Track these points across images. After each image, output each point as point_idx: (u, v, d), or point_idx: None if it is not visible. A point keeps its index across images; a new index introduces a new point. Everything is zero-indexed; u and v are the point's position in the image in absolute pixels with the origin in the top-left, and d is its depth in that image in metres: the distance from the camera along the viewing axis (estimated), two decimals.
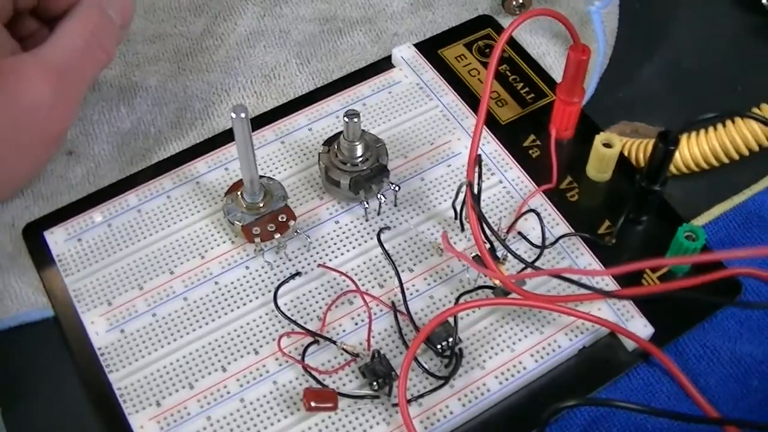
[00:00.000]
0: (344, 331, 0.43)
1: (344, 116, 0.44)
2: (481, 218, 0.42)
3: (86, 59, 0.47)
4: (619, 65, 0.54)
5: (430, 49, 0.53)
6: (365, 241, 0.46)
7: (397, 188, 0.46)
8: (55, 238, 0.47)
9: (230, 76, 0.54)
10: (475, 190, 0.42)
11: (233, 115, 0.40)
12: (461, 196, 0.45)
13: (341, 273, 0.45)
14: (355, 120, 0.44)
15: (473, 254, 0.43)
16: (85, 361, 0.43)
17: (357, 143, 0.45)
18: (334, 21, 0.56)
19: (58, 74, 0.46)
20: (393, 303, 0.44)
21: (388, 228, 0.46)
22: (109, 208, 0.48)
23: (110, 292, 0.45)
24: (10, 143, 0.45)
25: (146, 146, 0.51)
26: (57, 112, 0.47)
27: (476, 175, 0.42)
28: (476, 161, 0.42)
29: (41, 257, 0.47)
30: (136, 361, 0.43)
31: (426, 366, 0.42)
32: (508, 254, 0.44)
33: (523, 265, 0.44)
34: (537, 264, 0.44)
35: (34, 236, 0.47)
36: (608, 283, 0.44)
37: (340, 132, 0.46)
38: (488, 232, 0.43)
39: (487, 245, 0.43)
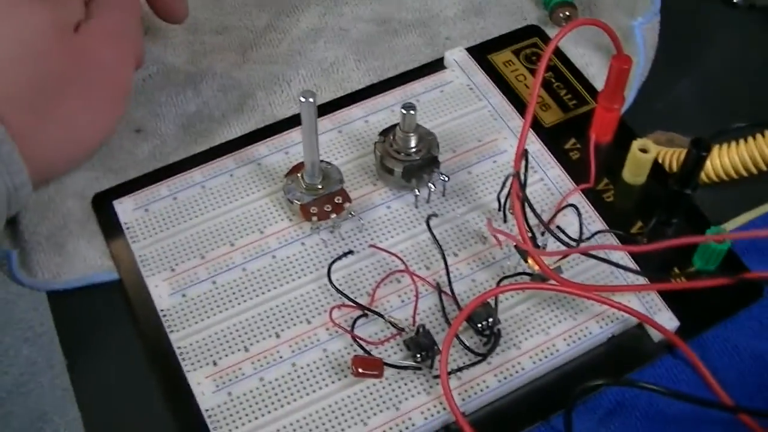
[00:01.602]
0: (391, 306, 0.46)
1: (402, 108, 0.47)
2: (526, 203, 0.45)
3: (129, 18, 0.52)
4: (657, 78, 0.56)
5: (481, 53, 0.56)
6: (414, 227, 0.49)
7: (446, 179, 0.49)
8: (124, 208, 0.50)
9: (291, 68, 0.57)
10: (522, 181, 0.45)
11: (302, 99, 0.43)
12: (506, 189, 0.47)
13: (391, 253, 0.48)
14: (412, 112, 0.47)
15: (514, 244, 0.46)
16: (147, 321, 0.46)
17: (411, 134, 0.48)
18: (391, 22, 0.59)
19: (114, 38, 0.50)
20: (438, 284, 0.46)
21: (436, 215, 0.49)
22: (175, 182, 0.50)
23: (174, 259, 0.48)
24: (87, 102, 0.49)
25: (210, 129, 0.54)
26: (120, 72, 0.51)
27: (523, 167, 0.45)
28: (523, 154, 0.45)
29: (109, 224, 0.49)
30: (196, 324, 0.46)
31: (466, 343, 0.45)
32: (547, 244, 0.47)
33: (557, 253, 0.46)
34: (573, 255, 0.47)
35: (102, 205, 0.50)
36: (638, 279, 0.47)
37: (396, 124, 0.49)
38: (530, 223, 0.45)
39: (529, 234, 0.45)
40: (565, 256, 0.47)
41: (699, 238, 0.46)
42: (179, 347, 0.45)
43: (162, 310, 0.46)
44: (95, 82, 0.49)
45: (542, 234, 0.47)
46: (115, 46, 0.50)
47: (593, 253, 0.46)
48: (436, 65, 0.56)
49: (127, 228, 0.49)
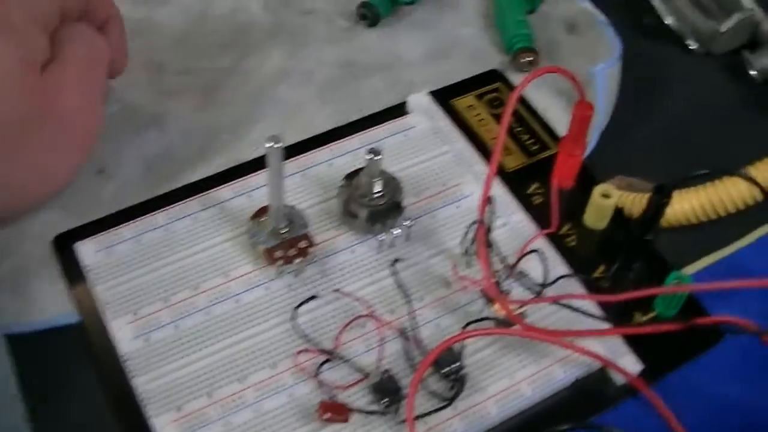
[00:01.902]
0: (356, 351, 0.46)
1: (367, 153, 0.47)
2: (491, 248, 0.45)
3: (96, 58, 0.51)
4: (618, 124, 0.57)
5: (444, 97, 0.57)
6: (378, 271, 0.49)
7: (410, 224, 0.49)
8: (85, 250, 0.49)
9: (255, 110, 0.57)
10: (487, 227, 0.45)
11: (267, 145, 0.43)
12: (470, 235, 0.48)
13: (355, 298, 0.48)
14: (377, 158, 0.47)
15: (479, 288, 0.47)
16: (110, 365, 0.45)
17: (376, 180, 0.48)
18: (355, 66, 0.59)
19: (82, 78, 0.49)
20: (403, 328, 0.47)
21: (401, 260, 0.49)
22: (138, 225, 0.50)
23: (136, 302, 0.47)
24: (52, 149, 0.48)
25: (174, 170, 0.54)
26: (89, 114, 0.50)
27: (489, 212, 0.45)
28: (488, 201, 0.45)
29: (71, 267, 0.49)
30: (159, 368, 0.45)
31: (432, 388, 0.45)
32: (511, 290, 0.47)
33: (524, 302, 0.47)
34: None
35: (64, 247, 0.49)
36: (602, 323, 0.47)
37: (360, 168, 0.49)
38: (496, 265, 0.46)
39: (494, 280, 0.46)
40: (529, 303, 0.47)
41: (659, 290, 0.47)
42: (142, 392, 0.45)
43: (124, 354, 0.46)
44: (61, 125, 0.48)
45: (506, 278, 0.47)
46: (84, 89, 0.49)
47: (561, 302, 0.46)
48: (399, 109, 0.56)
49: (89, 271, 0.49)
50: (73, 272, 0.49)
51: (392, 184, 0.50)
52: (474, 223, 0.46)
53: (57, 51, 0.49)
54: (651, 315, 0.48)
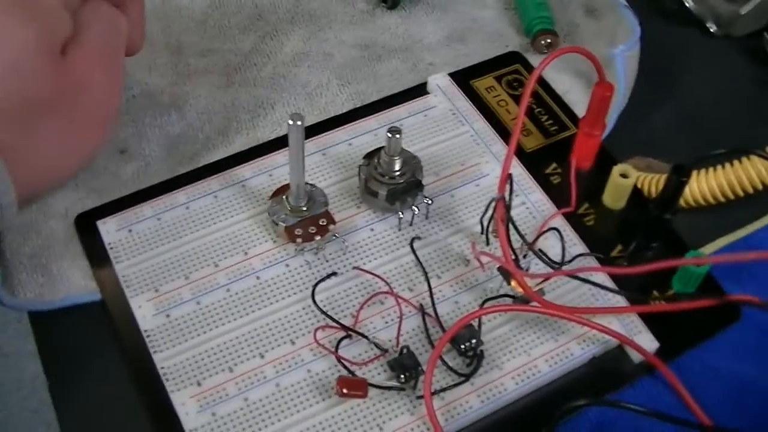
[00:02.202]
0: (375, 327, 0.46)
1: (387, 132, 0.47)
2: (511, 224, 0.45)
3: (116, 37, 0.51)
4: (637, 105, 0.57)
5: (463, 79, 0.57)
6: (398, 249, 0.49)
7: (429, 202, 0.50)
8: (107, 228, 0.50)
9: (275, 91, 0.57)
10: (507, 204, 0.46)
11: (290, 122, 0.44)
12: (489, 212, 0.48)
13: (375, 275, 0.48)
14: (398, 136, 0.47)
15: (498, 266, 0.47)
16: (131, 342, 0.46)
17: (396, 158, 0.49)
18: (374, 48, 0.60)
19: (102, 58, 0.49)
20: (421, 305, 0.47)
21: (420, 238, 0.49)
22: (159, 203, 0.51)
23: (158, 279, 0.48)
24: (72, 129, 0.49)
25: (194, 150, 0.54)
26: (108, 94, 0.50)
27: (507, 190, 0.45)
28: (508, 178, 0.45)
29: (92, 245, 0.49)
30: (180, 344, 0.46)
31: (450, 364, 0.45)
32: (530, 267, 0.47)
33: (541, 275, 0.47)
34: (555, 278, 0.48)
35: (86, 225, 0.50)
36: (619, 301, 0.48)
37: (380, 147, 0.49)
38: (513, 244, 0.46)
39: (512, 256, 0.46)
40: (548, 279, 0.47)
41: (679, 262, 0.47)
42: (163, 368, 0.45)
43: (146, 331, 0.46)
44: (82, 105, 0.49)
45: (524, 257, 0.48)
46: (104, 69, 0.50)
47: (577, 275, 0.46)
48: (419, 90, 0.57)
49: (111, 248, 0.49)
50: (95, 250, 0.49)
51: (412, 162, 0.50)
52: (493, 200, 0.46)
53: (78, 30, 0.49)
54: (669, 293, 0.48)
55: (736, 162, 0.52)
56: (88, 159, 0.52)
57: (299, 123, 0.44)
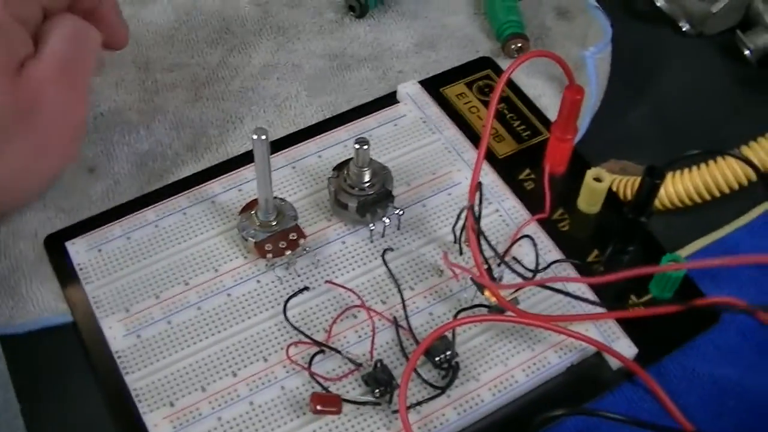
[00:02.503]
0: (348, 342, 0.46)
1: (355, 143, 0.47)
2: (481, 236, 0.45)
3: (82, 49, 0.49)
4: (610, 107, 0.57)
5: (433, 86, 0.56)
6: (370, 261, 0.49)
7: (401, 213, 0.49)
8: (77, 248, 0.49)
9: (244, 105, 0.57)
10: (476, 214, 0.45)
11: (254, 137, 0.43)
12: (461, 222, 0.47)
13: (347, 289, 0.47)
14: (365, 147, 0.47)
15: (470, 276, 0.46)
16: (102, 363, 0.45)
17: (365, 169, 0.48)
18: (343, 57, 0.59)
19: (65, 72, 0.48)
20: (395, 318, 0.46)
21: (392, 249, 0.49)
22: (128, 222, 0.50)
23: (128, 299, 0.47)
24: (35, 146, 0.47)
25: (163, 167, 0.53)
26: (71, 108, 0.49)
27: (477, 199, 0.45)
28: (477, 187, 0.45)
29: (62, 266, 0.49)
30: (152, 365, 0.45)
31: (425, 377, 0.44)
32: (503, 276, 0.47)
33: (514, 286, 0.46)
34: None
35: (55, 246, 0.49)
36: (596, 307, 0.47)
37: (350, 159, 0.49)
38: (486, 254, 0.45)
39: (485, 266, 0.45)
40: (521, 288, 0.46)
41: (654, 269, 0.46)
42: (135, 389, 0.44)
43: (117, 352, 0.45)
44: (41, 122, 0.47)
45: (498, 265, 0.47)
46: (64, 84, 0.48)
47: (550, 285, 0.46)
48: (389, 99, 0.56)
49: (80, 269, 0.48)
50: (65, 271, 0.49)
51: (382, 173, 0.49)
52: (463, 209, 0.45)
53: (40, 46, 0.48)
54: (646, 298, 0.48)
55: (711, 162, 0.52)
56: (52, 178, 0.51)
57: (263, 137, 0.43)
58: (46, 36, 0.48)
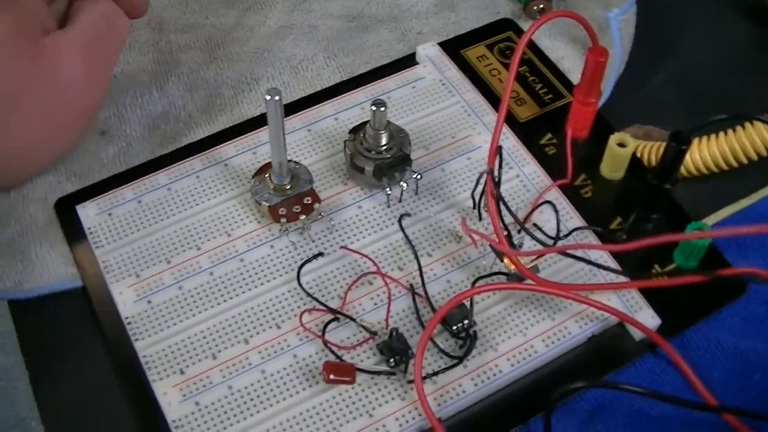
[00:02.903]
0: (364, 310, 0.45)
1: (371, 105, 0.46)
2: (501, 201, 0.43)
3: (109, 31, 0.49)
4: (634, 71, 0.55)
5: (453, 48, 0.55)
6: (386, 227, 0.47)
7: (418, 177, 0.48)
8: (87, 212, 0.48)
9: (259, 66, 0.55)
10: (496, 178, 0.44)
11: (267, 97, 0.42)
12: (480, 187, 0.46)
13: (363, 255, 0.46)
14: (382, 109, 0.46)
15: (489, 243, 0.45)
16: (112, 330, 0.45)
17: (382, 132, 0.47)
18: (361, 18, 0.58)
19: (88, 50, 0.47)
20: (411, 285, 0.45)
21: (409, 215, 0.48)
22: (139, 185, 0.49)
23: (138, 264, 0.46)
24: (47, 120, 0.47)
25: (176, 129, 0.53)
26: (88, 89, 0.48)
27: (497, 164, 0.44)
28: (497, 151, 0.44)
29: (72, 230, 0.48)
30: (162, 331, 0.44)
31: (441, 346, 0.43)
32: (524, 243, 0.45)
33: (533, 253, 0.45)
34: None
35: (65, 210, 0.49)
36: (618, 276, 0.46)
37: (366, 121, 0.47)
38: (506, 219, 0.44)
39: (505, 232, 0.44)
40: (541, 255, 0.45)
41: (679, 236, 0.45)
42: (144, 356, 0.44)
43: (126, 318, 0.45)
44: (58, 96, 0.47)
45: (518, 232, 0.46)
46: (88, 61, 0.48)
47: (571, 252, 0.45)
48: (407, 61, 0.55)
49: (91, 233, 0.47)
50: (75, 236, 0.48)
51: (399, 136, 0.48)
52: (483, 174, 0.44)
53: (69, 23, 0.48)
54: (670, 267, 0.47)
55: (738, 128, 0.50)
56: (67, 147, 0.50)
57: (277, 98, 0.42)
58: (76, 15, 0.48)
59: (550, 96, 0.53)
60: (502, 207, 0.44)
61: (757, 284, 0.46)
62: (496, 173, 0.44)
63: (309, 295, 0.45)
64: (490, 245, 0.45)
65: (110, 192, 0.49)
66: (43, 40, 0.46)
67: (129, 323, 0.45)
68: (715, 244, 0.47)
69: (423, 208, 0.48)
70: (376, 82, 0.53)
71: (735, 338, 0.45)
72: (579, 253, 0.45)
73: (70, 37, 0.47)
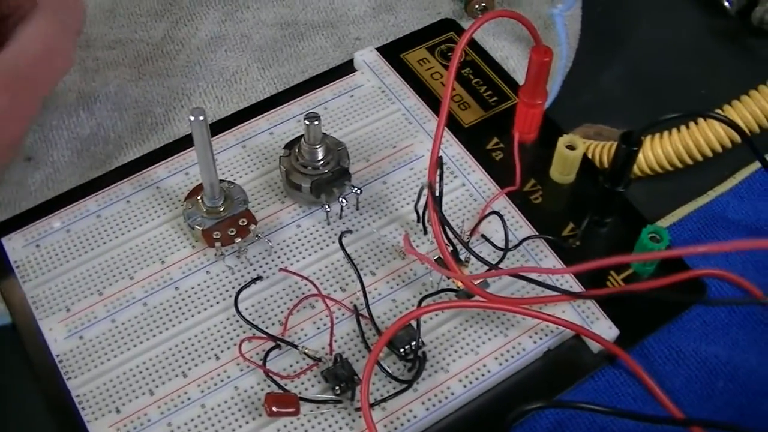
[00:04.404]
0: (306, 335, 0.43)
1: (304, 119, 0.44)
2: (443, 220, 0.41)
3: (46, 66, 0.46)
4: (582, 68, 0.54)
5: (393, 52, 0.53)
6: (327, 245, 0.46)
7: (359, 191, 0.46)
8: (13, 245, 0.46)
9: (191, 80, 0.54)
10: (437, 192, 0.42)
11: (191, 118, 0.40)
12: (423, 199, 0.44)
13: (303, 277, 0.44)
14: (316, 123, 0.44)
15: (436, 257, 0.43)
16: (43, 369, 0.43)
17: (318, 146, 0.45)
18: (296, 25, 0.56)
19: (12, 82, 0.45)
20: (355, 306, 0.43)
21: (350, 231, 0.46)
22: (67, 213, 0.47)
23: (69, 298, 0.44)
24: None
25: (106, 152, 0.51)
26: (14, 120, 0.46)
27: (438, 177, 0.42)
28: (437, 163, 0.41)
29: None
30: (95, 368, 0.42)
31: (389, 370, 0.41)
32: (471, 257, 0.43)
33: (487, 268, 0.43)
34: (500, 266, 0.44)
35: None
36: (572, 285, 0.44)
37: (302, 135, 0.45)
38: (450, 234, 0.42)
39: (450, 248, 0.42)
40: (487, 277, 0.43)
41: (625, 258, 0.43)
42: (78, 395, 0.41)
43: (58, 355, 0.43)
44: None
45: (467, 244, 0.44)
46: (15, 89, 0.45)
47: (522, 274, 0.43)
48: (345, 68, 0.53)
49: (17, 267, 0.45)
50: (1, 270, 0.46)
51: (337, 149, 0.46)
52: (424, 187, 0.42)
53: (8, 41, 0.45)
54: (627, 273, 0.45)
55: (691, 124, 0.49)
56: None
57: (201, 118, 0.40)
58: (10, 41, 0.45)
59: (495, 98, 0.51)
60: (448, 220, 0.42)
61: (718, 284, 0.44)
62: (438, 185, 0.41)
63: (248, 322, 0.43)
64: (436, 259, 0.43)
65: (37, 222, 0.47)
66: None
67: (61, 361, 0.42)
68: (673, 247, 0.45)
69: (365, 224, 0.46)
70: (313, 92, 0.51)
71: (696, 345, 0.44)
72: (533, 275, 0.43)
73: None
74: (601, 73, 0.54)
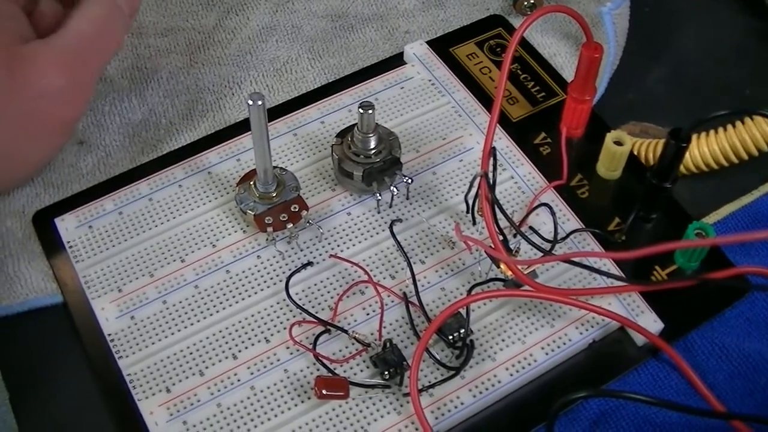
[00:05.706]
0: (356, 320, 0.43)
1: (359, 107, 0.44)
2: (498, 206, 0.42)
3: (97, 47, 0.47)
4: (629, 66, 0.54)
5: (442, 46, 0.54)
6: (377, 233, 0.46)
7: (410, 181, 0.47)
8: (66, 225, 0.47)
9: (242, 69, 0.54)
10: (490, 181, 0.42)
11: (250, 102, 0.40)
12: (474, 190, 0.45)
13: (353, 263, 0.45)
14: (370, 111, 0.44)
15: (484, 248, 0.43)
16: (94, 347, 0.43)
17: (370, 135, 0.45)
18: (346, 17, 0.56)
19: (70, 62, 0.46)
20: (405, 294, 0.44)
21: (400, 220, 0.46)
22: (120, 196, 0.48)
23: (121, 279, 0.45)
24: (24, 130, 0.45)
25: (157, 137, 0.51)
26: (69, 100, 0.47)
27: (491, 166, 0.42)
28: (491, 153, 0.42)
29: (51, 244, 0.47)
30: (146, 348, 0.43)
31: (437, 357, 0.42)
32: (519, 248, 0.44)
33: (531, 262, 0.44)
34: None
35: (44, 223, 0.47)
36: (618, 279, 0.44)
37: (354, 124, 0.46)
38: (501, 223, 0.42)
39: (500, 237, 0.42)
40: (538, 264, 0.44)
41: (677, 244, 0.43)
42: (129, 374, 0.42)
43: (109, 334, 0.43)
44: (37, 114, 0.45)
45: (514, 236, 0.44)
46: (68, 70, 0.46)
47: (570, 259, 0.43)
48: (395, 61, 0.54)
49: (70, 247, 0.46)
50: (54, 250, 0.46)
51: (389, 139, 0.47)
52: (476, 177, 0.43)
53: (62, 25, 0.46)
54: (672, 268, 0.45)
55: (738, 123, 0.49)
56: (45, 158, 0.49)
57: (260, 103, 0.40)
58: (66, 22, 0.46)
59: (543, 94, 0.52)
60: (498, 210, 0.42)
61: (759, 291, 0.45)
62: (490, 175, 0.42)
63: (298, 306, 0.43)
64: (486, 252, 0.43)
65: (90, 204, 0.47)
66: (20, 48, 0.44)
67: (112, 340, 0.43)
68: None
69: (415, 213, 0.47)
70: (363, 83, 0.52)
71: (740, 340, 0.44)
72: (578, 260, 0.43)
73: (51, 47, 0.45)
74: (647, 72, 0.54)
